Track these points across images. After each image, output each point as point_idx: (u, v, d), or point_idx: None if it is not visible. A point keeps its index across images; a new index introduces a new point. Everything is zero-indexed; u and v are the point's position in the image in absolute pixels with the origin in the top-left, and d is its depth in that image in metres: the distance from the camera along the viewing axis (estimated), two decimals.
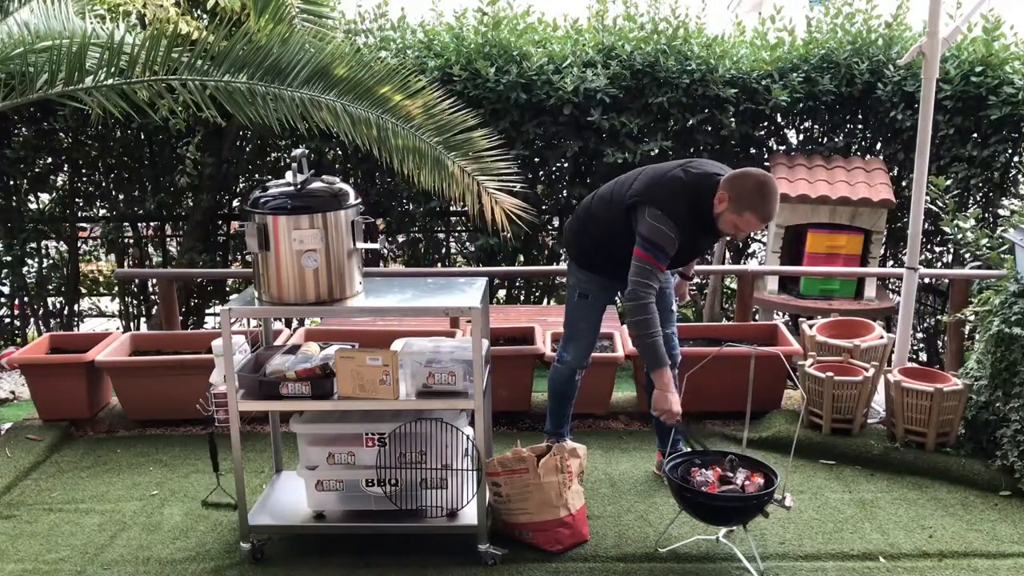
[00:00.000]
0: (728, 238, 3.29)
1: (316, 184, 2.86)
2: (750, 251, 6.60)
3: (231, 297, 5.95)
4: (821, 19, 5.87)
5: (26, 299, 6.33)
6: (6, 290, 6.28)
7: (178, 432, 4.17)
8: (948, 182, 4.99)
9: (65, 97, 3.44)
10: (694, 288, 6.71)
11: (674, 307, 3.50)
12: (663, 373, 3.05)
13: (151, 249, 6.54)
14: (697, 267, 6.42)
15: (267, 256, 2.80)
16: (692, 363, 3.35)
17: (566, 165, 5.97)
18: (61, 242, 6.40)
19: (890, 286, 5.90)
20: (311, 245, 2.76)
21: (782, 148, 6.03)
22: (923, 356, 6.28)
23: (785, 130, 6.09)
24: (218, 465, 3.32)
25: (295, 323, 5.86)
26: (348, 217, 2.85)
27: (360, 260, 2.96)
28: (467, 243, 6.24)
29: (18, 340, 6.30)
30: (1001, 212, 5.48)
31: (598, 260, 3.25)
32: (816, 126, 6.05)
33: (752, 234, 6.48)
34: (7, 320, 6.37)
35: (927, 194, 4.50)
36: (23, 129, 5.98)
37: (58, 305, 6.42)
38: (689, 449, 3.64)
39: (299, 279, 2.80)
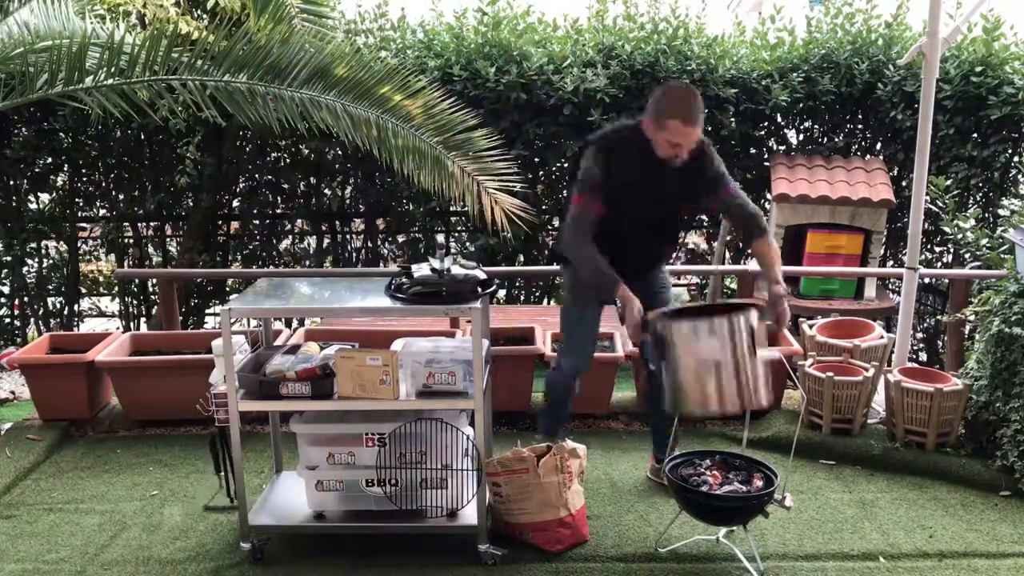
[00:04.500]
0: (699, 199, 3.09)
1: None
2: (750, 251, 6.60)
3: (231, 297, 5.99)
4: (821, 19, 5.88)
5: (26, 299, 6.33)
6: (6, 290, 6.28)
7: (178, 432, 4.17)
8: (948, 182, 4.99)
9: (65, 97, 3.44)
10: (694, 288, 6.71)
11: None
12: (619, 289, 2.96)
13: (151, 249, 6.54)
14: (697, 267, 6.50)
15: None
16: None
17: (566, 165, 5.96)
18: (61, 242, 6.40)
19: (890, 286, 5.90)
20: None
21: (782, 148, 6.03)
22: (923, 356, 6.28)
23: (785, 130, 6.09)
24: (220, 467, 3.32)
25: (295, 323, 5.86)
26: None
27: None
28: (467, 243, 6.25)
29: (18, 340, 6.30)
30: (1001, 212, 5.48)
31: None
32: (816, 126, 6.05)
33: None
34: (7, 320, 6.37)
35: (927, 194, 4.50)
36: (23, 129, 5.98)
37: (58, 305, 6.42)
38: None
39: None
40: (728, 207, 3.13)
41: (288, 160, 6.17)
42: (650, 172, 3.01)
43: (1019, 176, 5.81)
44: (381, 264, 6.39)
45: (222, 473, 3.35)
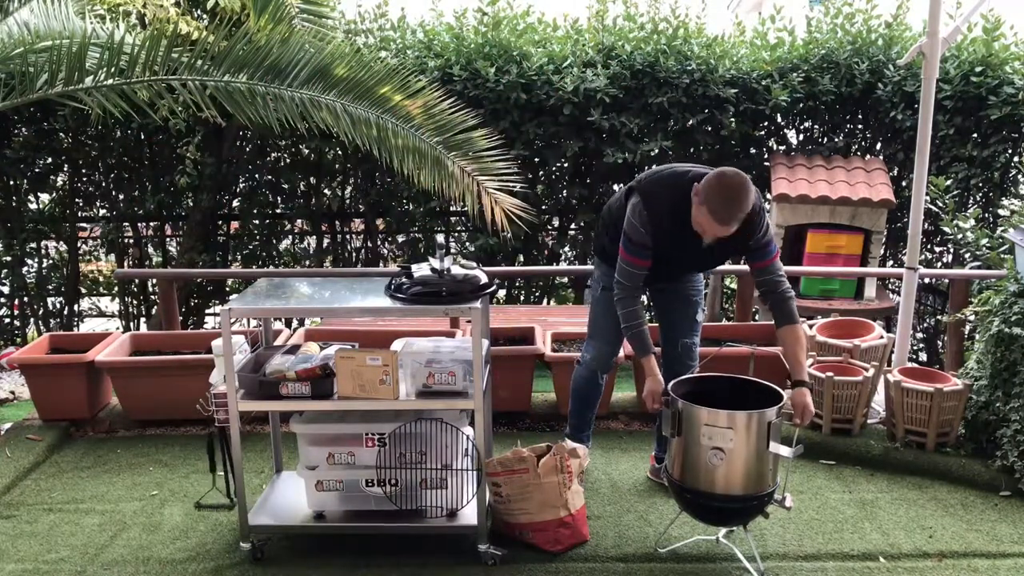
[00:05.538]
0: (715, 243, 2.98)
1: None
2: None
3: (231, 297, 5.99)
4: (821, 19, 5.88)
5: (26, 299, 6.33)
6: (6, 290, 6.29)
7: (178, 432, 4.17)
8: (948, 182, 4.99)
9: (65, 97, 3.44)
10: None
11: (699, 317, 3.38)
12: (645, 360, 3.08)
13: (151, 249, 6.54)
14: None
15: None
16: None
17: (566, 165, 5.97)
18: (61, 242, 6.41)
19: (890, 286, 5.90)
20: None
21: (782, 148, 6.03)
22: (923, 356, 6.28)
23: (785, 130, 6.09)
24: (215, 466, 3.32)
25: (295, 323, 5.86)
26: None
27: None
28: (467, 243, 6.25)
29: (18, 340, 6.31)
30: (1001, 212, 5.49)
31: (611, 250, 3.17)
32: (816, 126, 6.05)
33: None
34: (7, 320, 6.37)
35: (927, 194, 4.50)
36: (23, 129, 5.98)
37: (58, 305, 6.42)
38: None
39: None
40: (761, 279, 3.11)
41: (288, 160, 6.17)
42: (686, 235, 2.95)
43: (1019, 176, 5.81)
44: (381, 264, 6.39)
45: (216, 472, 3.36)
